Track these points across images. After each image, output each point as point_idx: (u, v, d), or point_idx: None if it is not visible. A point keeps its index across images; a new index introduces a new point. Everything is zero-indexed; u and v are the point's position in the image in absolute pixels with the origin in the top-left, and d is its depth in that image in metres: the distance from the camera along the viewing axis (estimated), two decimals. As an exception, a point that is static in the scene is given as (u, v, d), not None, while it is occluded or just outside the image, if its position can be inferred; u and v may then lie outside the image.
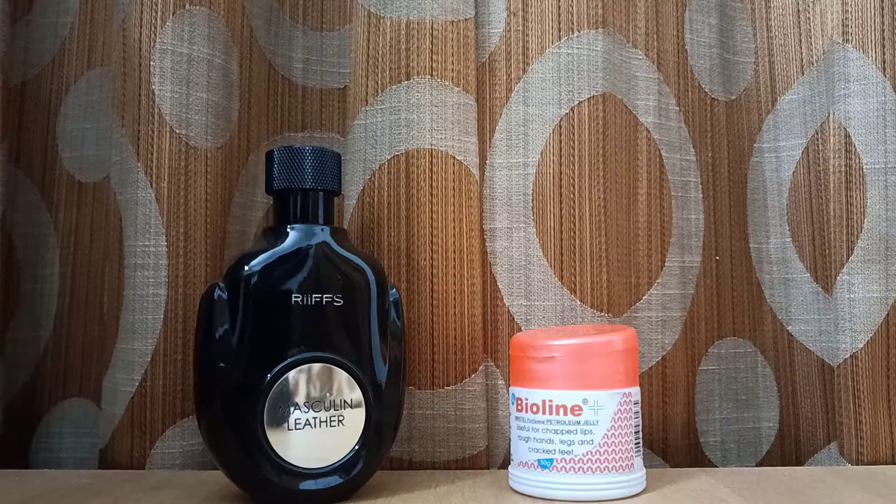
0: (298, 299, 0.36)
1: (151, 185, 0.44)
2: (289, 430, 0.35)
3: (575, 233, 0.46)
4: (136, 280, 0.44)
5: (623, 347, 0.37)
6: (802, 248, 0.51)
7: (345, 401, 0.36)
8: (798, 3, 0.52)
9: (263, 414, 0.35)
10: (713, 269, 0.52)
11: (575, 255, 0.46)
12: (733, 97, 0.53)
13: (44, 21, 0.54)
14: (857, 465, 0.46)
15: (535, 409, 0.37)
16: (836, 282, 0.47)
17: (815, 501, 0.36)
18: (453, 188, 0.46)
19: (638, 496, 0.37)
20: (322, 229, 0.38)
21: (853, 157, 0.47)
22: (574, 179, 0.46)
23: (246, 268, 0.36)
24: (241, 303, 0.35)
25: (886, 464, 0.46)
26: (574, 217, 0.46)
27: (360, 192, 0.47)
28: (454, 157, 0.46)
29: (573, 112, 0.47)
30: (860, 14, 0.47)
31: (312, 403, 0.35)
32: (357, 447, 0.36)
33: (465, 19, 0.47)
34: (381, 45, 0.47)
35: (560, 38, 0.47)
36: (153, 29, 0.45)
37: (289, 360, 0.35)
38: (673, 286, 0.49)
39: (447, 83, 0.46)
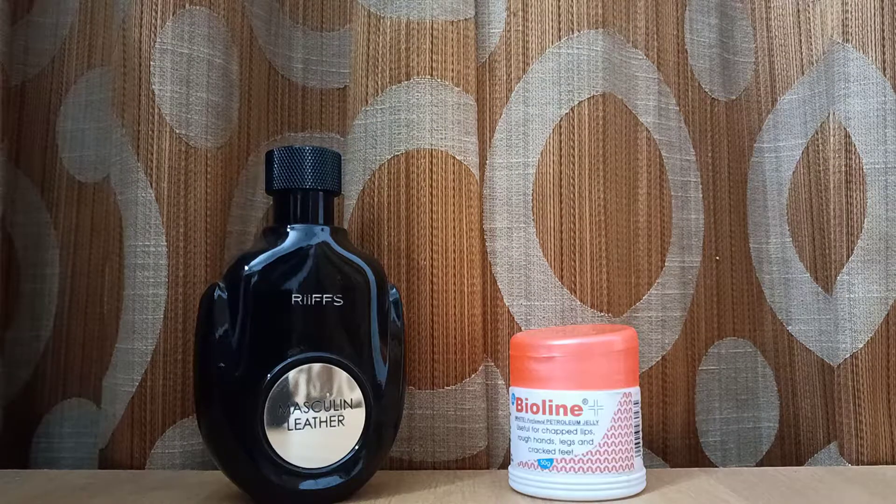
0: (298, 299, 0.36)
1: (151, 185, 0.44)
2: (289, 430, 0.35)
3: (575, 233, 0.46)
4: (136, 280, 0.44)
5: (623, 347, 0.37)
6: (802, 248, 0.51)
7: (345, 401, 0.36)
8: (798, 3, 0.52)
9: (263, 414, 0.35)
10: (713, 269, 0.52)
11: (575, 255, 0.46)
12: (733, 97, 0.53)
13: (44, 21, 0.54)
14: (857, 465, 0.46)
15: (535, 409, 0.37)
16: (836, 282, 0.47)
17: (815, 501, 0.36)
18: (453, 188, 0.46)
19: (638, 496, 0.37)
20: (322, 229, 0.38)
21: (853, 156, 0.47)
22: (574, 179, 0.46)
23: (246, 268, 0.36)
24: (241, 303, 0.35)
25: (886, 464, 0.45)
26: (574, 217, 0.46)
27: (360, 192, 0.47)
28: (454, 157, 0.46)
29: (573, 112, 0.47)
30: (860, 14, 0.47)
31: (312, 403, 0.35)
32: (357, 447, 0.36)
33: (465, 19, 0.47)
34: (381, 45, 0.47)
35: (560, 38, 0.47)
36: (153, 29, 0.45)
37: (289, 359, 0.35)
38: (673, 286, 0.49)
39: (447, 83, 0.46)
